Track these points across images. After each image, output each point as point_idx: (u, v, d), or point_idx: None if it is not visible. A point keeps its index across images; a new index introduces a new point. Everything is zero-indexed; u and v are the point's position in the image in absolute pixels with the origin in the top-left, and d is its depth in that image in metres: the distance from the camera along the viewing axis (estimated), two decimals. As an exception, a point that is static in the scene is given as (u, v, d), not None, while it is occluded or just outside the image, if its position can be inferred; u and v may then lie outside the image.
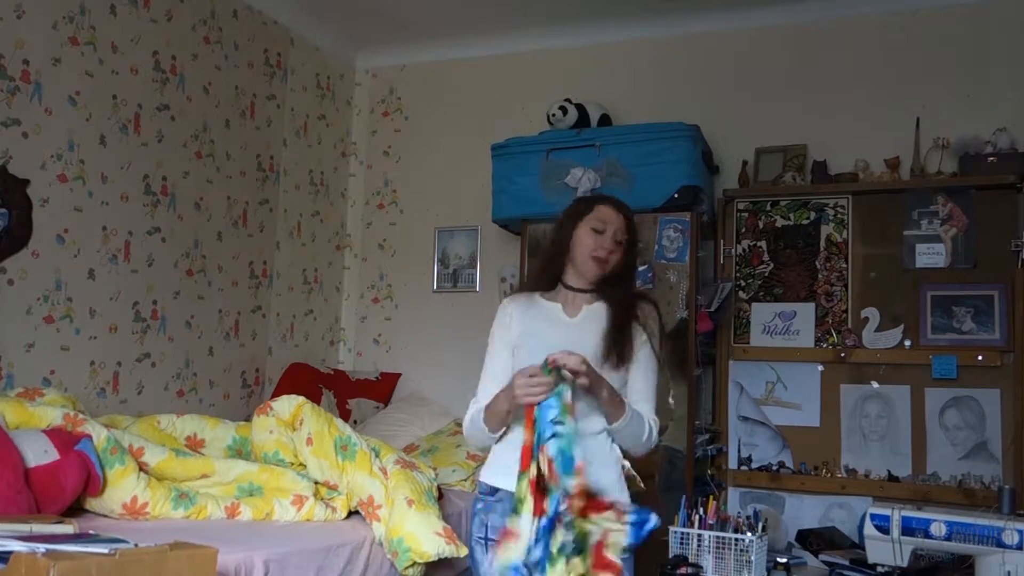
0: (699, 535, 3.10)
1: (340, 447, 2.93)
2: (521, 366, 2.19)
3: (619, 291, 2.35)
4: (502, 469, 2.26)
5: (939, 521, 2.82)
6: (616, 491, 2.26)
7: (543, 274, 2.42)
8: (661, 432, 2.39)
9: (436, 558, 2.71)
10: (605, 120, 4.17)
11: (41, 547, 1.77)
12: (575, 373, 2.08)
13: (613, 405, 2.20)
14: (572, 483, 2.00)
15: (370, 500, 2.84)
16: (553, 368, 2.07)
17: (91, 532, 2.15)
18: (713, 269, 4.08)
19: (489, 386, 2.32)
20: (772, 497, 3.91)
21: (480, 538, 2.29)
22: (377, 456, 2.98)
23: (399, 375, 4.74)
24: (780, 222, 4.06)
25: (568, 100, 4.12)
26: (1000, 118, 3.81)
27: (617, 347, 2.25)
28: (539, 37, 4.61)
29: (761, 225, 4.08)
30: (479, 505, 2.32)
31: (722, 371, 4.03)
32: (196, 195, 3.98)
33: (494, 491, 2.29)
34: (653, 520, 2.07)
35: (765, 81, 4.26)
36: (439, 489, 3.10)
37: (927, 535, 2.83)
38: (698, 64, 4.39)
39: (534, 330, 2.33)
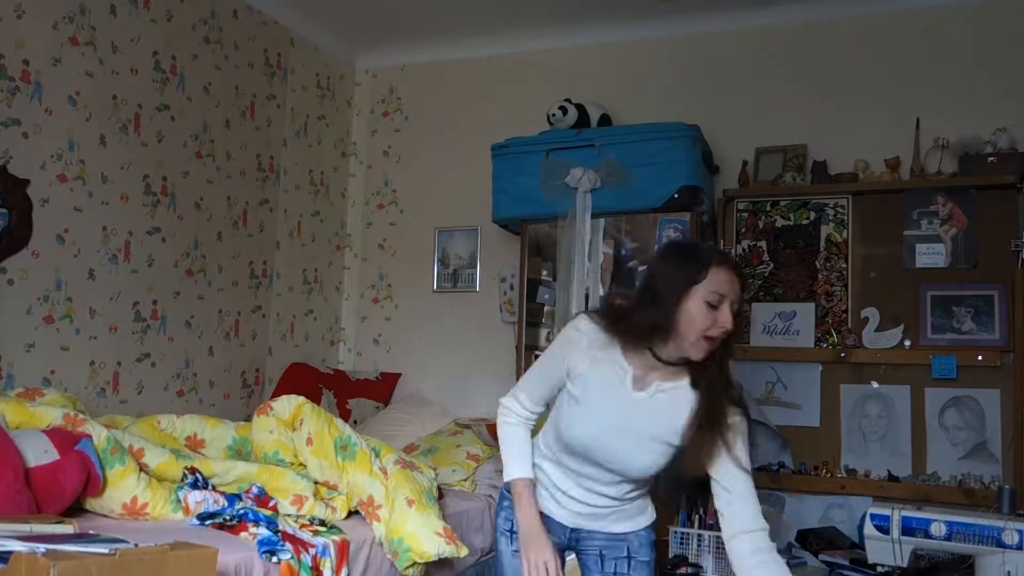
0: (699, 535, 3.10)
1: (340, 447, 2.92)
2: (572, 414, 2.08)
3: (720, 385, 2.00)
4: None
5: (939, 521, 2.82)
6: (637, 518, 2.25)
7: (634, 340, 2.02)
8: None
9: (436, 558, 2.71)
10: (605, 120, 4.17)
11: (41, 547, 1.77)
12: None
13: None
14: None
15: (370, 500, 2.84)
16: None
17: (91, 532, 2.15)
18: (713, 269, 4.07)
19: (534, 391, 2.19)
20: (772, 497, 3.91)
21: (506, 530, 2.30)
22: (377, 456, 2.97)
23: (399, 375, 4.74)
24: (780, 222, 4.06)
25: (568, 100, 4.12)
26: (1000, 118, 3.81)
27: (702, 449, 1.99)
28: (539, 37, 4.61)
29: (761, 225, 4.08)
30: (505, 503, 2.31)
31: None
32: (196, 195, 3.98)
33: None
34: None
35: (765, 81, 4.26)
36: (439, 489, 3.10)
37: (927, 535, 2.83)
38: (698, 64, 4.40)
39: (596, 384, 2.06)
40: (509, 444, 2.22)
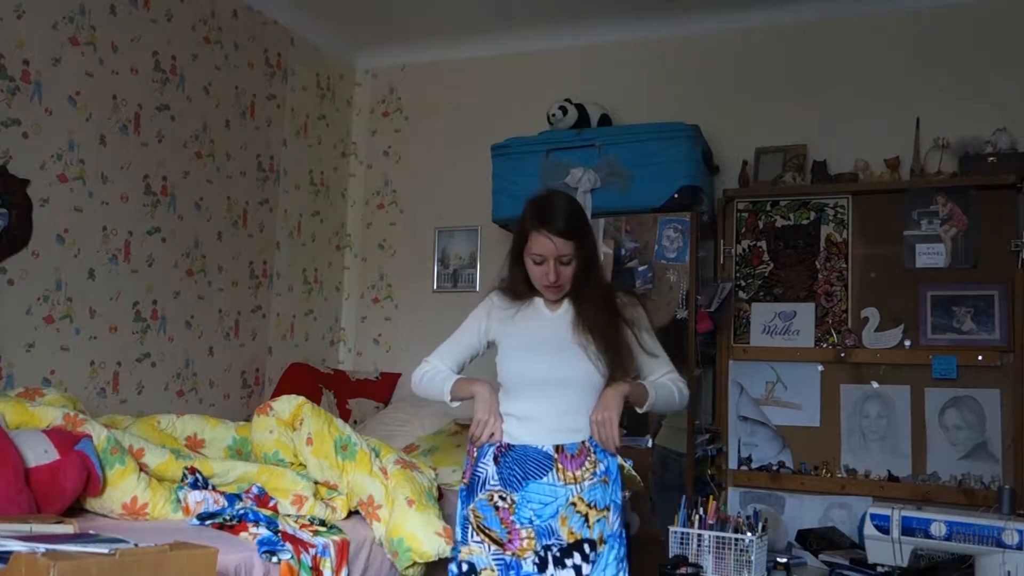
0: (699, 535, 3.10)
1: (340, 447, 2.93)
2: (510, 362, 2.40)
3: (590, 295, 2.38)
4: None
5: (939, 521, 2.82)
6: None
7: (515, 291, 2.47)
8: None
9: (436, 558, 2.71)
10: (605, 120, 4.17)
11: (41, 547, 1.77)
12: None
13: (637, 396, 2.35)
14: None
15: (370, 500, 2.84)
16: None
17: (91, 532, 2.15)
18: (713, 269, 4.08)
19: (449, 351, 2.54)
20: (772, 497, 3.91)
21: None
22: (377, 456, 2.97)
23: (399, 375, 4.74)
24: (780, 222, 4.06)
25: (568, 100, 4.12)
26: (1000, 118, 3.81)
27: (616, 360, 2.35)
28: (539, 37, 4.61)
29: (761, 225, 4.08)
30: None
31: (722, 371, 4.03)
32: (196, 195, 3.98)
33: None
34: None
35: (765, 81, 4.26)
36: (439, 489, 3.10)
37: (927, 535, 2.83)
38: (698, 64, 4.39)
39: (518, 325, 2.44)
40: (432, 377, 2.49)
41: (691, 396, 3.64)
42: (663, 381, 2.43)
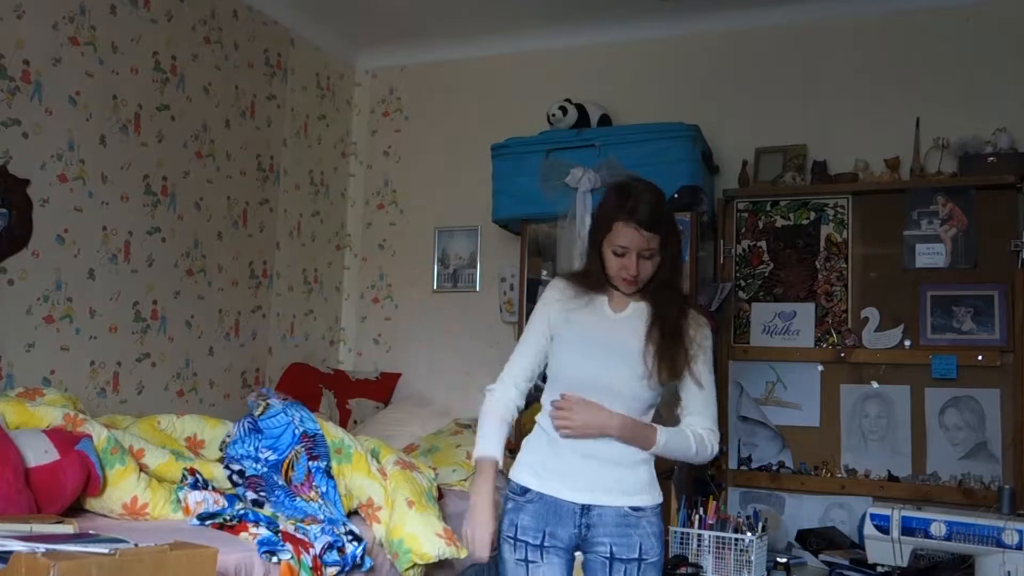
0: (699, 535, 3.10)
1: (334, 451, 2.92)
2: (561, 355, 2.27)
3: (667, 297, 2.25)
4: (533, 469, 2.28)
5: (939, 521, 2.82)
6: (646, 491, 2.25)
7: (587, 279, 2.31)
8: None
9: (436, 559, 2.71)
10: (605, 120, 4.17)
11: (41, 547, 1.77)
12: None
13: (636, 438, 2.20)
14: None
15: (370, 502, 2.83)
16: None
17: (91, 532, 2.15)
18: (713, 269, 4.08)
19: (520, 363, 2.34)
20: (772, 497, 3.91)
21: (509, 537, 2.26)
22: (375, 457, 2.97)
23: (399, 375, 4.74)
24: (780, 222, 4.06)
25: (568, 100, 4.12)
26: (1000, 118, 3.81)
27: (668, 361, 2.20)
28: (539, 37, 4.61)
29: (761, 225, 4.08)
30: (509, 505, 2.30)
31: (722, 371, 4.01)
32: (196, 195, 3.98)
33: (525, 491, 2.27)
34: None
35: (765, 81, 4.26)
36: (439, 489, 3.10)
37: (927, 535, 2.83)
38: (698, 64, 4.40)
39: (577, 320, 2.28)
40: (483, 420, 2.32)
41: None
42: (684, 431, 2.24)
